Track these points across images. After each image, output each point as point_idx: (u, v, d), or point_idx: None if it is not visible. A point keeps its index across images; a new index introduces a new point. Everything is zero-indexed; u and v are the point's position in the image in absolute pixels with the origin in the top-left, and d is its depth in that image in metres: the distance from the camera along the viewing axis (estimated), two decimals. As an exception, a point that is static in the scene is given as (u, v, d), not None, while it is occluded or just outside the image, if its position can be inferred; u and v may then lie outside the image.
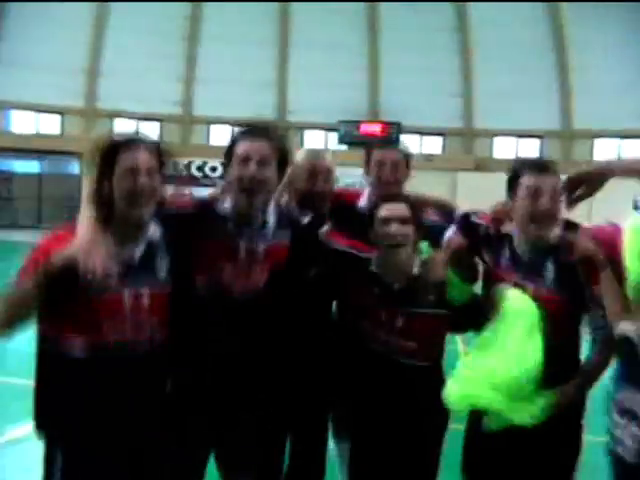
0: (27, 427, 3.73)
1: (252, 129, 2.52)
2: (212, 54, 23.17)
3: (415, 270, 2.58)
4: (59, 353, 2.17)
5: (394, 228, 2.54)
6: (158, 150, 2.26)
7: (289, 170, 2.66)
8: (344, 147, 22.31)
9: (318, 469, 2.99)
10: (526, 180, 2.45)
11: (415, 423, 2.62)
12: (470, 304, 2.58)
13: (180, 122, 23.64)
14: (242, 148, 2.44)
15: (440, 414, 2.63)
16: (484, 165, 21.95)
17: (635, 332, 2.02)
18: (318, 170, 2.96)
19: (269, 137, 2.48)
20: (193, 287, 2.44)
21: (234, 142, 2.48)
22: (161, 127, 22.71)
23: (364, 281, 2.63)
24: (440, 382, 2.52)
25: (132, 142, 2.21)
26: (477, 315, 2.52)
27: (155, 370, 2.31)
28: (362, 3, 23.10)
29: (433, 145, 23.93)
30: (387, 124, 23.19)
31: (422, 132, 23.41)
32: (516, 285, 2.50)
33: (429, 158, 21.18)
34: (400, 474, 2.65)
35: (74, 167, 22.12)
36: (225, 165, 2.53)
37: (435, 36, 22.90)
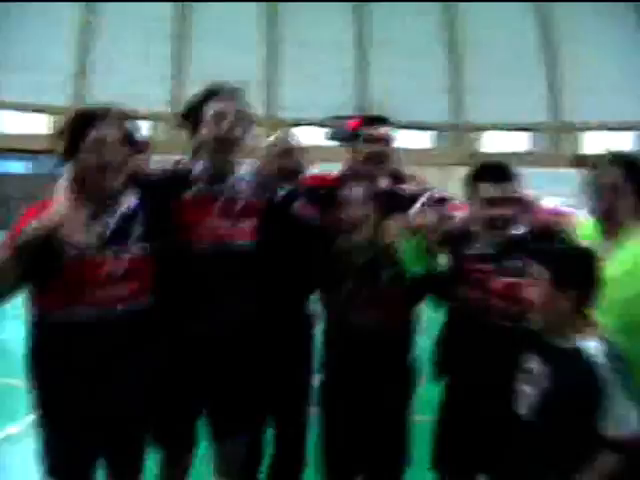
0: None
1: (221, 89, 2.57)
2: (201, 54, 23.19)
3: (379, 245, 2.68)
4: (42, 319, 2.24)
5: (354, 209, 2.67)
6: (124, 121, 2.31)
7: (263, 148, 2.79)
8: (333, 143, 22.35)
9: (301, 452, 3.03)
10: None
11: (383, 390, 2.71)
12: (427, 275, 2.61)
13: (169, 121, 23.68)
14: (216, 107, 2.50)
15: (403, 381, 2.76)
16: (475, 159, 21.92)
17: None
18: (290, 148, 3.04)
19: (237, 97, 2.56)
20: (186, 248, 2.48)
21: (202, 103, 2.53)
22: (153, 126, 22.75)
23: (332, 255, 2.72)
24: (404, 351, 2.69)
25: (98, 116, 2.24)
26: (432, 287, 2.64)
27: (135, 335, 2.33)
28: (351, 3, 23.30)
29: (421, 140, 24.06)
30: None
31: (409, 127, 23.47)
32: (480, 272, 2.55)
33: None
34: (372, 438, 2.74)
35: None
36: (192, 128, 2.55)
37: (423, 34, 23.19)
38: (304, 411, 3.00)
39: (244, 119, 2.52)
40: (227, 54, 22.74)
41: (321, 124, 23.71)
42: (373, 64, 23.98)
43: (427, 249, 2.54)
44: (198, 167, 2.56)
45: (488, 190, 2.49)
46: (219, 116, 2.48)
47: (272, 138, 3.07)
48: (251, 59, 23.48)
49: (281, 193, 2.81)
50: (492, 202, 2.48)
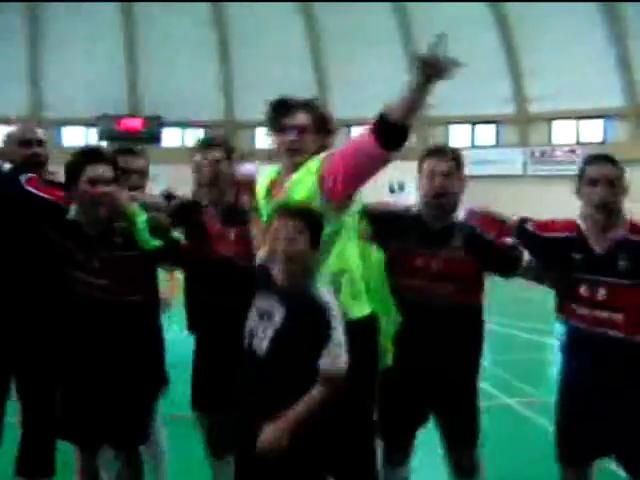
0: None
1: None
2: None
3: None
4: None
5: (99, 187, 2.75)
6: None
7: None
8: (104, 143, 21.70)
9: None
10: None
11: None
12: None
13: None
14: None
15: None
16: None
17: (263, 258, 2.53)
18: (32, 138, 3.18)
19: None
20: None
21: None
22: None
23: (63, 229, 2.82)
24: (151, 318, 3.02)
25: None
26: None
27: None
28: None
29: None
30: (148, 118, 23.22)
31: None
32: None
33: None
34: None
35: None
36: None
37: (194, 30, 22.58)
38: None
39: None
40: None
41: (91, 123, 22.79)
42: (143, 59, 22.70)
43: None
44: None
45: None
46: None
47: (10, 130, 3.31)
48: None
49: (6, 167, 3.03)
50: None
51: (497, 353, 6.69)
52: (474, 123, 22.80)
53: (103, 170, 2.74)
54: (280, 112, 2.65)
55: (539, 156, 20.77)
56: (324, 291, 2.38)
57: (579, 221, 2.77)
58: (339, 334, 2.31)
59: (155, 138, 23.28)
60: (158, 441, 3.32)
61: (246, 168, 3.08)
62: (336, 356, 2.30)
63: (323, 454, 2.42)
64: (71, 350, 2.87)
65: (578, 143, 21.49)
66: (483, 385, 5.55)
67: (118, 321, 2.81)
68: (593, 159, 2.78)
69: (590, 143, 21.16)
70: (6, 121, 21.89)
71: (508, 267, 2.92)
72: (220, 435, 3.03)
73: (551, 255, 2.82)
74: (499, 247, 2.85)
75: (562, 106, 20.71)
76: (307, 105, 2.68)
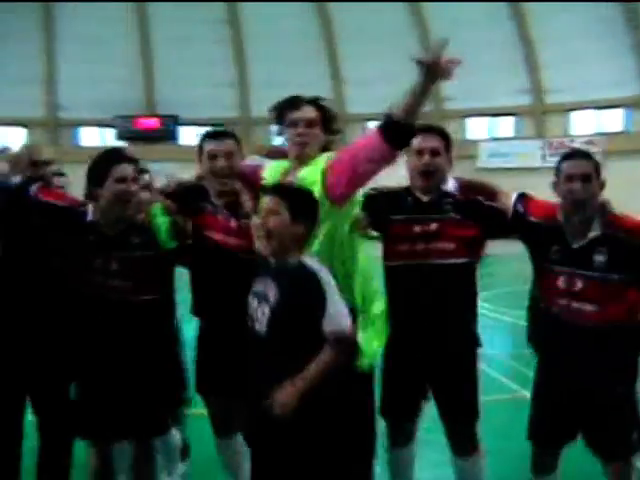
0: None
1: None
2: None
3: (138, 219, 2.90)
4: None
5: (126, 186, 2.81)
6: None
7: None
8: (122, 142, 22.05)
9: None
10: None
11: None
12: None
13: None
14: None
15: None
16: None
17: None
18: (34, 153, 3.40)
19: None
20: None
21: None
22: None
23: (80, 230, 2.86)
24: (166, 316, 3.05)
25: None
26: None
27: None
28: None
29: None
30: (163, 117, 23.42)
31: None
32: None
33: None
34: None
35: None
36: None
37: (206, 28, 22.93)
38: None
39: None
40: None
41: (107, 124, 22.97)
42: (157, 59, 23.09)
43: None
44: None
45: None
46: None
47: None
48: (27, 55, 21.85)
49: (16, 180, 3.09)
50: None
51: (516, 346, 6.65)
52: (491, 115, 22.68)
53: (130, 169, 2.81)
54: (289, 107, 2.72)
55: (557, 147, 20.61)
56: (311, 260, 2.43)
57: (558, 214, 2.81)
58: (334, 297, 2.35)
59: (172, 136, 23.45)
60: (170, 441, 3.34)
61: (250, 162, 3.08)
62: (338, 317, 2.32)
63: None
64: (88, 350, 2.90)
65: (597, 134, 21.35)
66: (503, 378, 5.62)
67: (134, 320, 2.85)
68: (569, 155, 2.83)
69: (609, 133, 20.97)
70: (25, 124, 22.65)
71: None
72: (224, 416, 3.08)
73: (533, 240, 2.89)
74: (494, 209, 2.95)
75: (579, 97, 20.67)
76: (314, 101, 2.76)
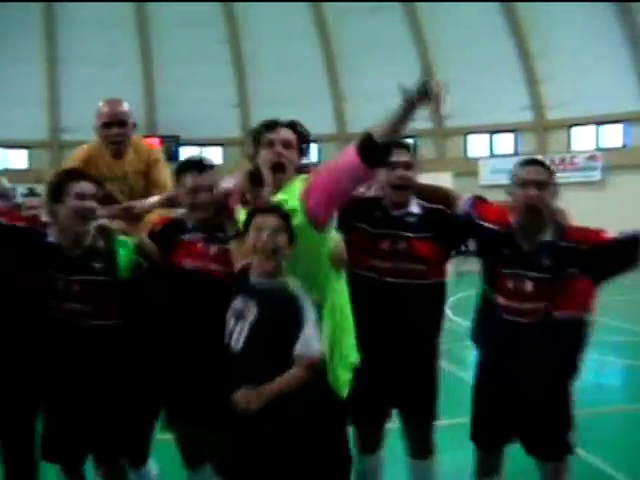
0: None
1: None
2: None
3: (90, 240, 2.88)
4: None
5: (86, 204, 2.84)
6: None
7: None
8: None
9: None
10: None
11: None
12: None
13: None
14: None
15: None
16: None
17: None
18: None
19: None
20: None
21: None
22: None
23: (42, 251, 2.86)
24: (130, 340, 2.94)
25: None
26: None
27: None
28: (134, 16, 22.68)
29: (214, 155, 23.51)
30: (165, 137, 23.30)
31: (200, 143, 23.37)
32: None
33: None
34: None
35: None
36: None
37: (208, 48, 22.83)
38: None
39: None
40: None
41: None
42: (159, 80, 23.02)
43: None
44: None
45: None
46: None
47: None
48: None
49: None
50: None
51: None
52: (492, 132, 22.67)
53: (89, 187, 2.86)
54: (266, 129, 2.77)
55: (558, 163, 20.58)
56: (293, 283, 2.49)
57: (511, 217, 2.90)
58: (311, 321, 2.42)
59: (173, 157, 23.47)
60: (146, 475, 3.24)
61: (227, 183, 3.09)
62: (309, 342, 2.41)
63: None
64: (51, 374, 2.88)
65: (598, 149, 21.30)
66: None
67: (96, 344, 2.85)
68: (524, 163, 2.96)
69: (610, 149, 20.91)
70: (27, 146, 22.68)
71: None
72: (194, 447, 3.07)
73: (484, 242, 2.97)
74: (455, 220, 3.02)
75: (580, 112, 20.52)
76: (291, 124, 2.80)
